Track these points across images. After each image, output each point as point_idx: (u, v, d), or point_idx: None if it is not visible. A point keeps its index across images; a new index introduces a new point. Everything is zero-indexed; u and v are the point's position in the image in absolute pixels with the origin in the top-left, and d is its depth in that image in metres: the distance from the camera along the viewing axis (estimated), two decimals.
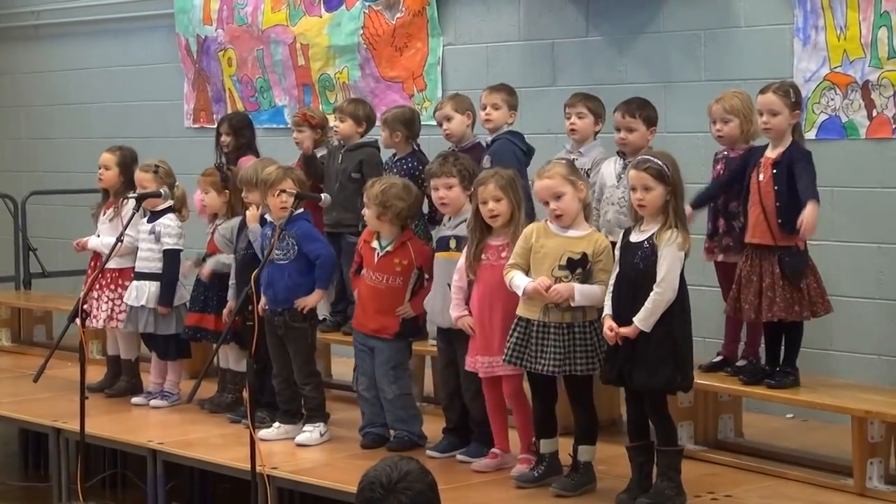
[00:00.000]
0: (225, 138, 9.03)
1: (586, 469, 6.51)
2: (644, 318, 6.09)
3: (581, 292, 6.34)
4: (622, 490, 6.32)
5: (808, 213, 6.59)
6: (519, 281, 6.44)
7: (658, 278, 6.09)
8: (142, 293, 8.51)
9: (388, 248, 7.28)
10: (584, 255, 6.38)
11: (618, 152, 7.36)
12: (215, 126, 9.85)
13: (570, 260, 6.38)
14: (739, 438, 7.38)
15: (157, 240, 8.49)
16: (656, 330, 6.10)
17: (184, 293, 8.60)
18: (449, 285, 6.97)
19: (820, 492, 6.57)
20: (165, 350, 8.64)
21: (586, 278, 6.37)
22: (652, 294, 6.09)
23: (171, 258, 8.49)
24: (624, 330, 6.13)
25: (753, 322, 6.96)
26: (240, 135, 9.02)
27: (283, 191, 7.42)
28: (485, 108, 7.81)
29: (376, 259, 7.30)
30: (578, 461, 6.51)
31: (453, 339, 7.08)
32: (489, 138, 7.84)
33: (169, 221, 8.52)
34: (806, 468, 6.84)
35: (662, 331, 6.11)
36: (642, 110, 7.32)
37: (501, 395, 6.89)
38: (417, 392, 8.08)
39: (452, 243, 7.05)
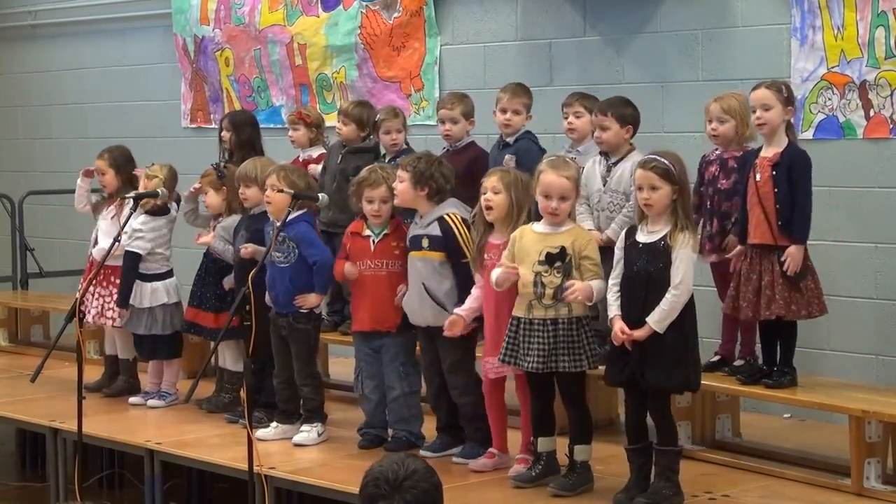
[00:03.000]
0: (226, 134, 9.03)
1: (584, 469, 6.51)
2: (660, 320, 6.08)
3: (495, 277, 6.49)
4: (620, 490, 6.32)
5: (795, 255, 6.63)
6: (493, 274, 6.52)
7: (675, 280, 6.08)
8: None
9: (386, 231, 7.28)
10: (563, 248, 6.40)
11: (600, 152, 7.35)
12: (212, 126, 9.88)
13: (548, 255, 6.40)
14: (737, 438, 7.38)
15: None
16: (670, 330, 6.09)
17: (171, 293, 8.57)
18: (423, 284, 7.04)
19: (817, 491, 6.57)
20: (152, 349, 8.63)
21: (567, 271, 6.37)
22: (669, 295, 6.08)
23: (127, 258, 8.46)
24: (637, 333, 6.12)
25: (750, 320, 6.95)
26: (240, 131, 8.98)
27: (282, 190, 7.42)
28: (505, 112, 7.79)
29: (373, 246, 7.29)
30: (575, 461, 6.51)
31: (434, 337, 7.10)
32: (511, 139, 7.81)
33: (134, 223, 8.43)
34: (803, 468, 6.85)
35: (676, 331, 6.11)
36: (614, 108, 7.27)
37: (502, 396, 6.90)
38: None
39: (425, 242, 7.08)
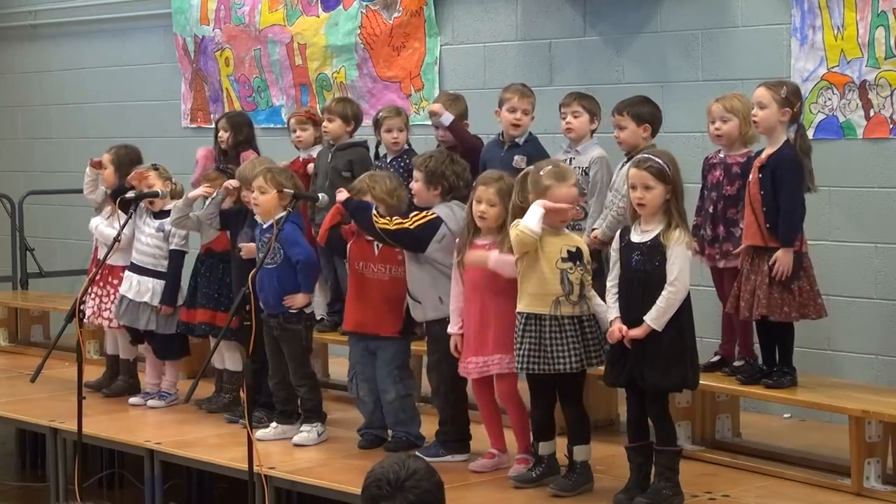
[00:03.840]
0: (223, 134, 9.03)
1: (583, 469, 6.51)
2: (657, 318, 6.09)
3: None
4: (620, 490, 6.31)
5: (782, 258, 6.63)
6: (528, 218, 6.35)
7: (671, 277, 6.09)
8: (145, 289, 8.50)
9: None
10: (578, 248, 6.42)
11: (625, 153, 7.36)
12: (212, 126, 9.88)
13: (569, 252, 6.40)
14: (737, 438, 7.38)
15: (166, 238, 8.50)
16: (668, 329, 6.10)
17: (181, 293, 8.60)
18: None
19: (817, 492, 6.57)
20: (166, 349, 8.63)
21: (585, 268, 6.39)
22: (665, 293, 6.09)
23: (176, 258, 8.48)
24: (634, 332, 6.12)
25: (747, 320, 6.93)
26: (238, 131, 9.01)
27: (281, 191, 7.42)
28: (514, 112, 7.76)
29: (377, 251, 7.28)
30: (575, 461, 6.50)
31: (428, 333, 7.19)
32: (520, 139, 7.79)
33: (172, 227, 8.49)
34: (803, 468, 6.85)
35: (674, 330, 6.11)
36: (631, 107, 7.28)
37: (493, 395, 6.88)
38: (416, 392, 8.07)
39: None
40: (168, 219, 8.42)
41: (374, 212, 7.00)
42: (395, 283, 7.26)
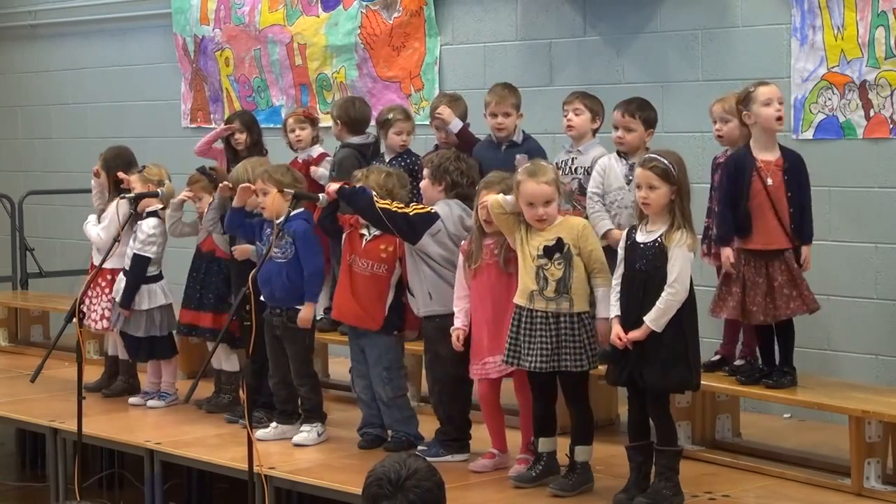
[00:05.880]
0: (239, 136, 9.00)
1: (584, 469, 6.51)
2: (656, 319, 6.09)
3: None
4: (620, 490, 6.31)
5: (809, 255, 6.81)
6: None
7: (670, 278, 6.09)
8: (118, 290, 8.53)
9: (376, 233, 7.24)
10: (559, 239, 6.41)
11: (618, 152, 7.34)
12: (212, 126, 9.88)
13: (546, 248, 6.40)
14: (737, 438, 7.38)
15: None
16: (669, 329, 6.09)
17: (167, 294, 8.54)
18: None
19: (817, 492, 6.57)
20: (136, 350, 8.62)
21: (568, 261, 6.37)
22: (664, 294, 6.08)
23: (137, 262, 8.45)
24: (633, 334, 6.12)
25: (763, 324, 6.90)
26: (252, 131, 9.03)
27: (281, 191, 7.42)
28: (496, 116, 7.74)
29: (364, 244, 7.29)
30: (575, 461, 6.51)
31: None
32: (518, 138, 7.79)
33: (146, 227, 8.47)
34: (803, 468, 6.85)
35: (675, 330, 6.11)
36: (642, 111, 7.28)
37: (497, 397, 6.89)
38: (414, 392, 8.09)
39: None
40: (143, 221, 8.42)
41: (374, 194, 7.00)
42: (377, 279, 7.27)
